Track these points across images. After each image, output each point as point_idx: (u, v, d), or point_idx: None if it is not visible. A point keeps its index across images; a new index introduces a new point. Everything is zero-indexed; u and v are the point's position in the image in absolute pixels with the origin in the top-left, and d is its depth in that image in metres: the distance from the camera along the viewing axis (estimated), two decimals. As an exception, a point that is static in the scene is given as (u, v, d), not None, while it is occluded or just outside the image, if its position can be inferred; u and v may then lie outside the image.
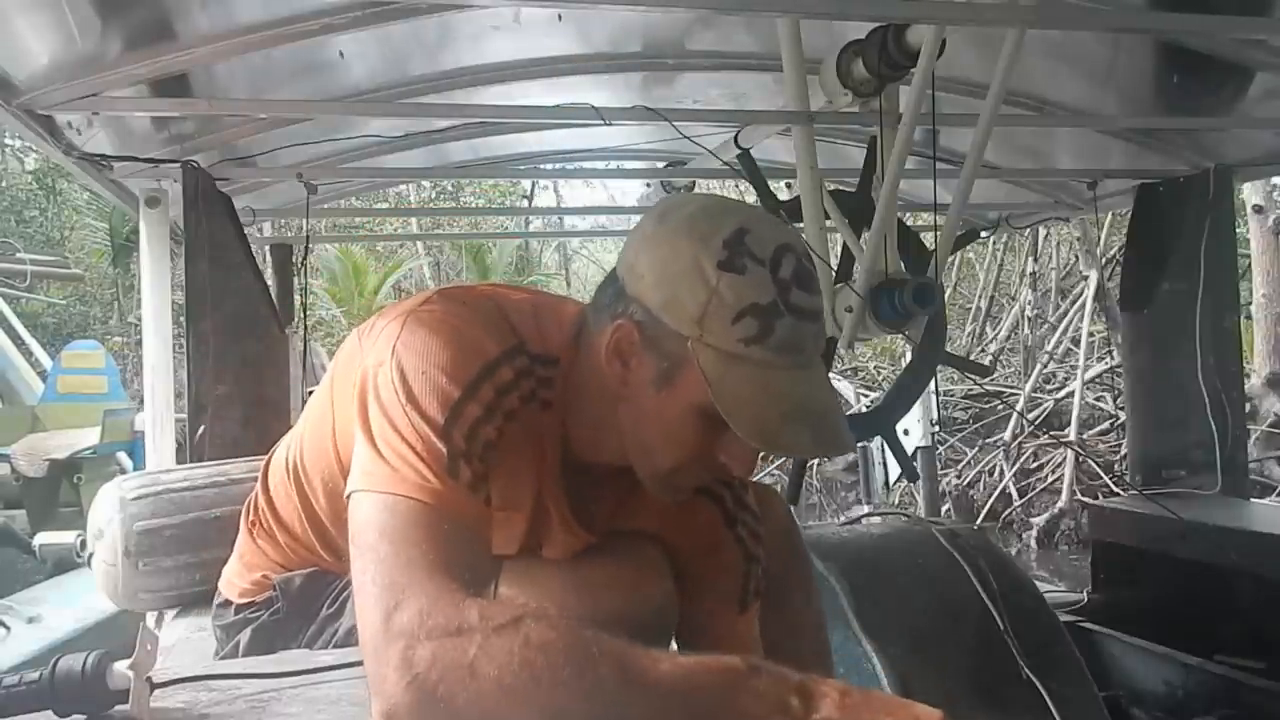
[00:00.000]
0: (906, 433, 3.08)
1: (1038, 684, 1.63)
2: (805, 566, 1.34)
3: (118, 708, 0.80)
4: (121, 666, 0.80)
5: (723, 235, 0.91)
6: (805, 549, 1.34)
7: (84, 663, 0.80)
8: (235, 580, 1.31)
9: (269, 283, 2.98)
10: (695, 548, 1.18)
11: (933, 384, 2.62)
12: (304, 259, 3.06)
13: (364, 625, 0.82)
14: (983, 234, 3.63)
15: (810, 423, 0.94)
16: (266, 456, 1.30)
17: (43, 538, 3.46)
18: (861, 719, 0.77)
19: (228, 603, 1.31)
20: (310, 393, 1.42)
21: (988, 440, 8.16)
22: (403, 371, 0.91)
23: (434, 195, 11.94)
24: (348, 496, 0.90)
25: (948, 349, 2.41)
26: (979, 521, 7.03)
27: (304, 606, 1.22)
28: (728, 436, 0.95)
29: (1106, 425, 7.87)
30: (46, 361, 6.08)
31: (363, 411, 0.92)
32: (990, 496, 7.41)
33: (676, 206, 0.98)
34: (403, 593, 0.81)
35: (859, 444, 3.40)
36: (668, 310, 0.93)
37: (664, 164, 3.17)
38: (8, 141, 13.34)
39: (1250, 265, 6.90)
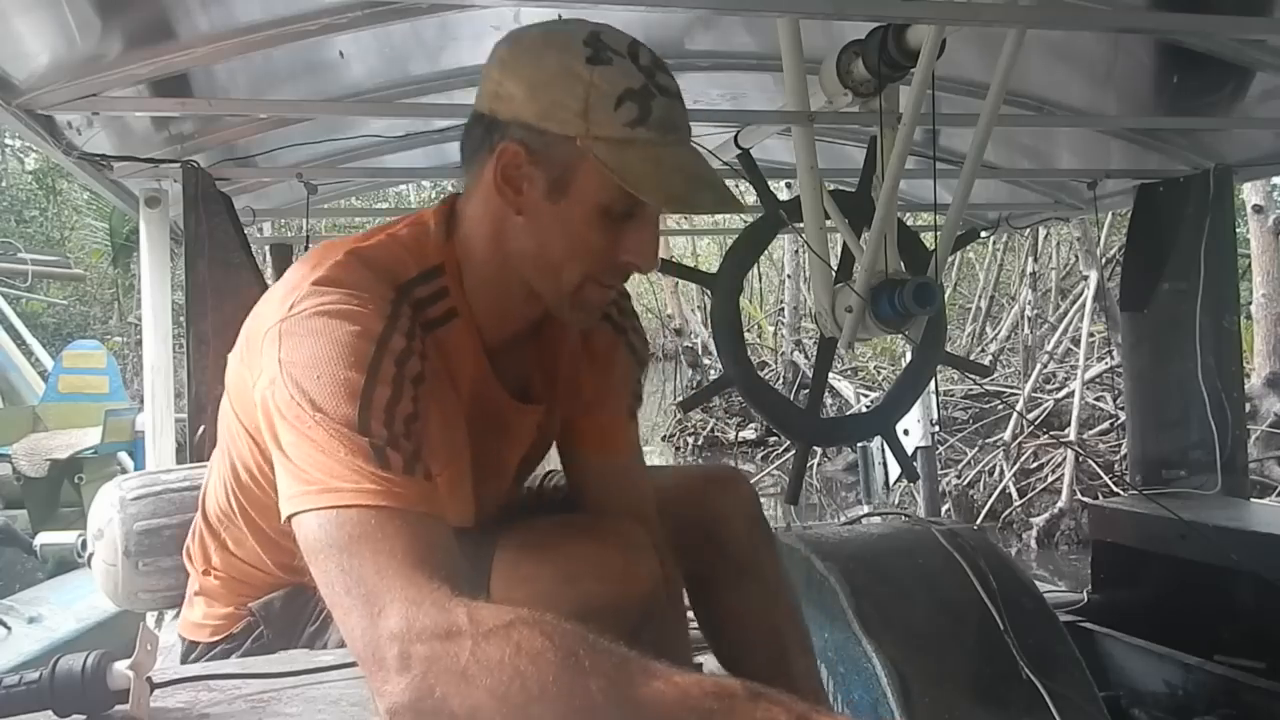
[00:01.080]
0: (906, 433, 3.08)
1: (1038, 684, 1.63)
2: (773, 550, 1.36)
3: (118, 708, 0.80)
4: (121, 666, 0.80)
5: (580, 38, 0.96)
6: (771, 532, 1.37)
7: (84, 663, 0.80)
8: (204, 621, 1.25)
9: (269, 283, 2.98)
10: (595, 370, 1.23)
11: (933, 384, 2.62)
12: (304, 259, 3.05)
13: (352, 638, 0.82)
14: (983, 234, 3.63)
15: (709, 186, 1.00)
16: (200, 497, 1.27)
17: (44, 538, 3.45)
18: None
19: (195, 644, 1.25)
20: None
21: (988, 440, 8.15)
22: (297, 382, 0.89)
23: (434, 195, 11.96)
24: (288, 520, 0.88)
25: (948, 349, 2.41)
26: (979, 521, 7.02)
27: (286, 628, 1.20)
28: (629, 232, 1.01)
29: (1106, 425, 7.87)
30: (48, 361, 6.08)
31: (274, 434, 0.91)
32: (990, 496, 7.40)
33: (521, 33, 1.01)
34: (383, 599, 0.81)
35: (859, 444, 3.40)
36: (549, 118, 0.96)
37: (664, 164, 3.17)
38: (8, 141, 13.35)
39: (1250, 265, 6.90)
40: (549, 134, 0.96)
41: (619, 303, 1.24)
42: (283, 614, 1.20)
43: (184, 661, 1.25)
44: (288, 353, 0.91)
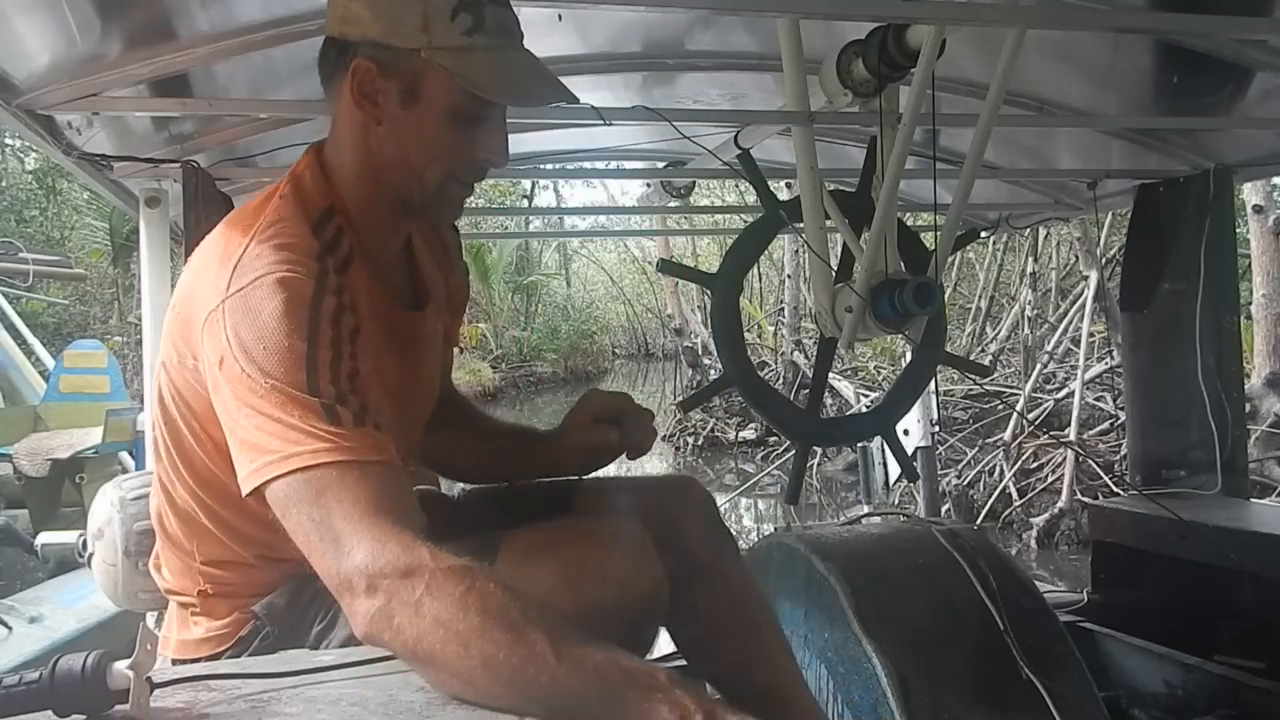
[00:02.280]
0: (906, 433, 3.08)
1: (1038, 684, 1.63)
2: (734, 551, 1.42)
3: (117, 708, 0.80)
4: (121, 666, 0.80)
5: None
6: (730, 534, 1.44)
7: (84, 663, 0.80)
8: (206, 636, 1.23)
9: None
10: (450, 268, 1.37)
11: (933, 384, 2.62)
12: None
13: (327, 575, 0.91)
14: (983, 234, 3.62)
15: (544, 79, 1.12)
16: (157, 522, 1.27)
17: (45, 537, 3.45)
18: None
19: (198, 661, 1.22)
20: None
21: (988, 440, 8.15)
22: (247, 354, 0.96)
23: (434, 195, 11.94)
24: (252, 493, 0.95)
25: (948, 349, 2.41)
26: (979, 521, 7.02)
27: (293, 626, 1.20)
28: (481, 132, 1.12)
29: (1106, 425, 7.87)
30: (48, 361, 6.08)
31: (229, 413, 0.98)
32: (990, 496, 7.40)
33: None
34: (351, 540, 0.89)
35: (859, 444, 3.40)
36: (394, 34, 1.06)
37: (664, 164, 3.17)
38: (8, 141, 13.35)
39: (1250, 265, 6.90)
40: (395, 48, 1.06)
41: None
42: (288, 612, 1.20)
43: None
44: (234, 330, 0.98)
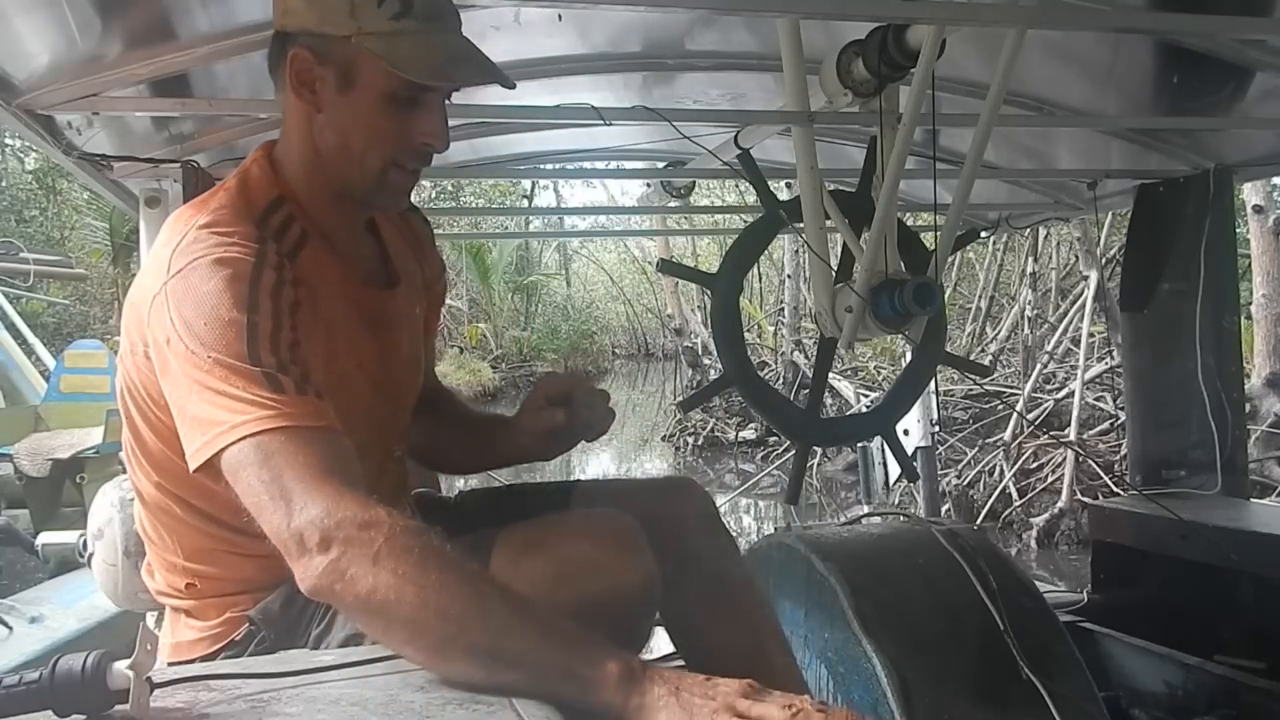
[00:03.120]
0: (906, 433, 3.08)
1: (1038, 684, 1.63)
2: (734, 551, 1.42)
3: (117, 708, 0.80)
4: (121, 666, 0.80)
5: None
6: (730, 534, 1.44)
7: (84, 663, 0.80)
8: (200, 636, 1.23)
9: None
10: (424, 255, 1.40)
11: (933, 384, 2.62)
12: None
13: (277, 532, 0.93)
14: (983, 234, 3.62)
15: (473, 61, 1.15)
16: (139, 526, 1.28)
17: (45, 537, 3.45)
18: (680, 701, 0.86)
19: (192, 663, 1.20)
20: None
21: (988, 440, 8.16)
22: (190, 331, 1.00)
23: (434, 195, 11.96)
24: (203, 466, 0.98)
25: (948, 349, 2.41)
26: (979, 521, 7.02)
27: (290, 629, 1.19)
28: (418, 116, 1.14)
29: (1106, 425, 7.87)
30: (49, 361, 6.08)
31: (177, 388, 1.02)
32: (990, 496, 7.40)
33: None
34: (304, 498, 0.92)
35: (859, 444, 3.40)
36: (326, 22, 1.10)
37: (664, 164, 3.17)
38: (8, 141, 13.35)
39: (1250, 265, 6.91)
40: (328, 36, 1.10)
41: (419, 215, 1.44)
42: (283, 615, 1.20)
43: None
44: (176, 310, 1.02)
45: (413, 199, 1.33)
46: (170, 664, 1.23)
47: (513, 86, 1.19)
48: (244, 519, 0.97)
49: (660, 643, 1.49)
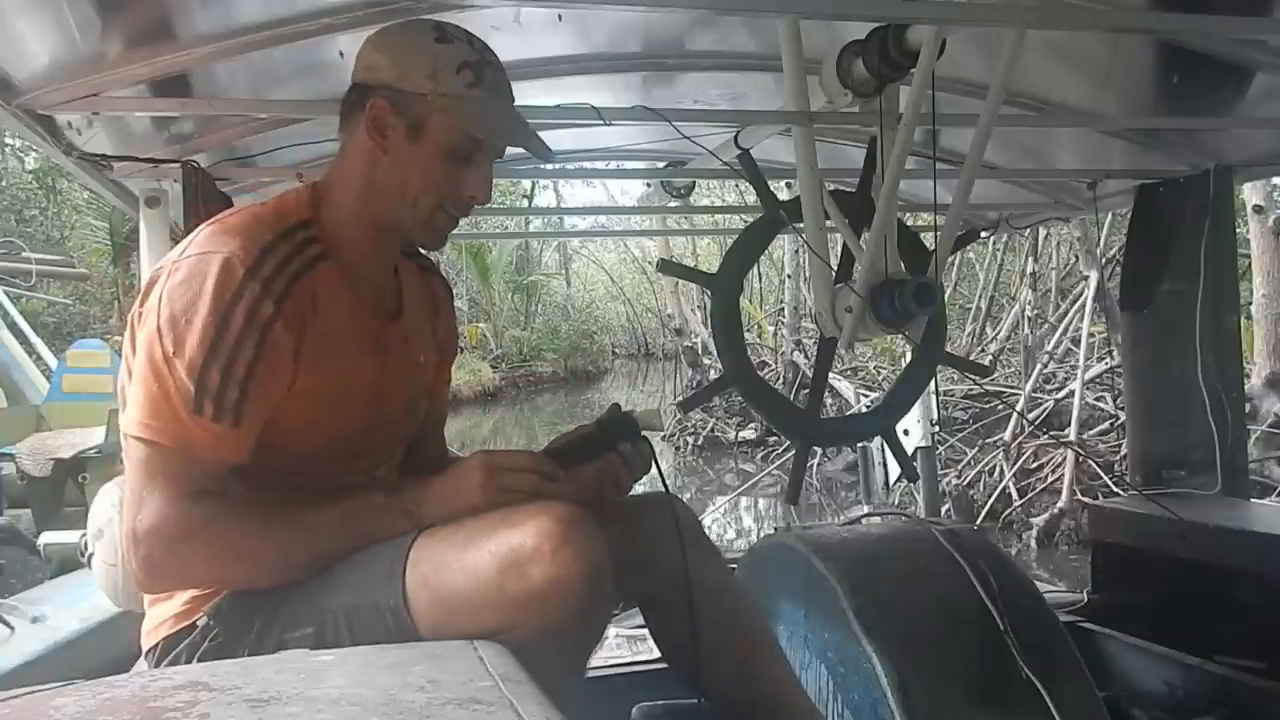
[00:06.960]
0: (906, 433, 3.08)
1: (1038, 684, 1.63)
2: (719, 559, 1.48)
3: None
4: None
5: (429, 26, 1.29)
6: (714, 546, 1.51)
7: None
8: (162, 624, 1.28)
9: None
10: (441, 315, 1.52)
11: (933, 384, 2.62)
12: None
13: (123, 524, 1.17)
14: (983, 234, 3.62)
15: (527, 130, 1.32)
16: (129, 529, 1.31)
17: (47, 537, 3.44)
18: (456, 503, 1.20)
19: (156, 646, 1.28)
20: None
21: (988, 440, 8.15)
22: (168, 320, 1.15)
23: (434, 195, 11.92)
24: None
25: (948, 349, 2.41)
26: (979, 521, 7.02)
27: (239, 626, 1.23)
28: (470, 171, 1.30)
29: (1106, 425, 7.87)
30: (51, 360, 6.09)
31: (137, 352, 1.18)
32: (990, 496, 7.40)
33: (385, 28, 1.32)
34: (147, 505, 1.15)
35: (859, 444, 3.40)
36: (408, 80, 1.25)
37: (664, 164, 3.17)
38: (8, 141, 13.35)
39: (1250, 265, 6.91)
40: (406, 92, 1.25)
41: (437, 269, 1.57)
42: (231, 614, 1.24)
43: (153, 662, 1.28)
44: (168, 293, 1.17)
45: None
46: (145, 650, 1.30)
47: (551, 154, 1.36)
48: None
49: (655, 652, 1.50)
